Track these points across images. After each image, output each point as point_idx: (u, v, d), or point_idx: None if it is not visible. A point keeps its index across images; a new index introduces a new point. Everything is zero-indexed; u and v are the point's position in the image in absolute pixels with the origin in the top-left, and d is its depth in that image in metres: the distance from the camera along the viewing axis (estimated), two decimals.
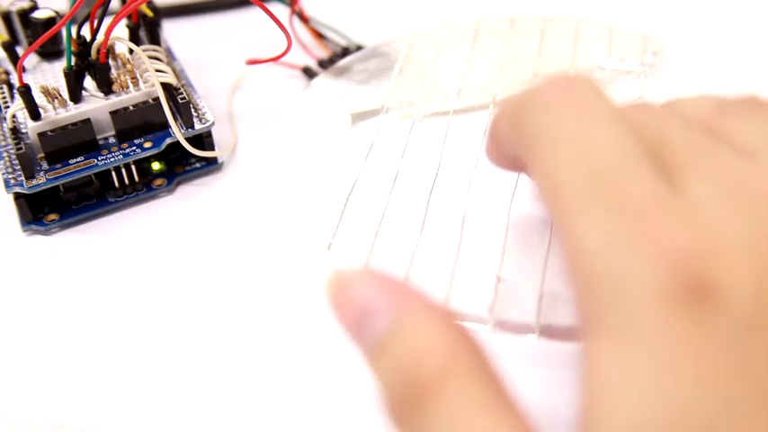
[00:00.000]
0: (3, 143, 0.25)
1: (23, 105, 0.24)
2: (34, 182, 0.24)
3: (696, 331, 0.12)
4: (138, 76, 0.26)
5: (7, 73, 0.28)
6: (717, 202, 0.14)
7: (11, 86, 0.27)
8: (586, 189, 0.14)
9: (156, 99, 0.25)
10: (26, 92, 0.24)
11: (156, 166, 0.26)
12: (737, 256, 0.13)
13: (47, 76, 0.27)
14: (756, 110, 0.17)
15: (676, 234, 0.13)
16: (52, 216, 0.25)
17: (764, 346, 0.13)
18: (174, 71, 0.26)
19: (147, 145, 0.25)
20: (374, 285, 0.15)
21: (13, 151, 0.25)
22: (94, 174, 0.25)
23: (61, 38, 0.26)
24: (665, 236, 0.13)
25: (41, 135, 0.24)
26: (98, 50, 0.24)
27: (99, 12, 0.24)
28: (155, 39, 0.28)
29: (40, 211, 0.25)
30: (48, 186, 0.24)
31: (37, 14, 0.27)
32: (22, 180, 0.24)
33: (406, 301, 0.14)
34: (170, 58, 0.28)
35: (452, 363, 0.14)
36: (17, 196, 0.24)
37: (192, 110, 0.26)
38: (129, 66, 0.26)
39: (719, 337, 0.12)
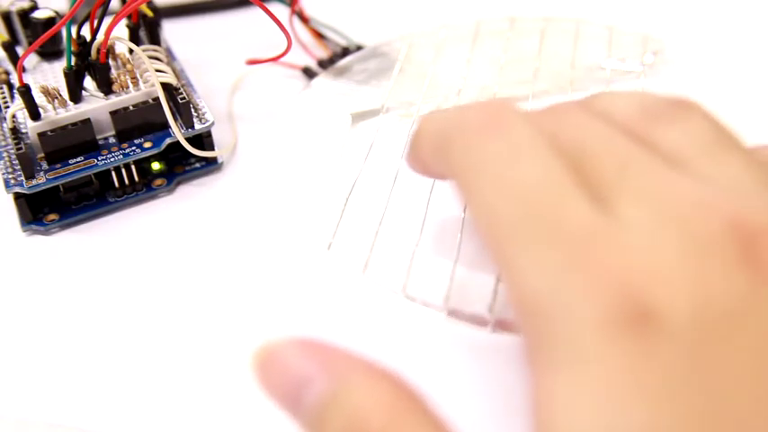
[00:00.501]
0: (3, 143, 0.25)
1: (23, 105, 0.24)
2: (34, 182, 0.24)
3: (640, 356, 0.13)
4: (138, 76, 0.26)
5: (7, 73, 0.28)
6: (650, 225, 0.14)
7: (11, 86, 0.27)
8: (523, 227, 0.14)
9: (156, 99, 0.25)
10: (26, 92, 0.24)
11: (155, 166, 0.26)
12: (674, 279, 0.13)
13: (47, 76, 0.27)
14: (683, 113, 0.17)
15: (614, 264, 0.13)
16: (52, 216, 0.25)
17: (705, 365, 0.13)
18: (174, 71, 0.26)
19: (147, 145, 0.25)
20: (305, 353, 0.14)
21: (13, 151, 0.25)
22: (94, 174, 0.25)
23: (61, 38, 0.26)
24: (604, 267, 0.13)
25: (41, 135, 0.24)
26: (98, 50, 0.24)
27: (99, 12, 0.24)
28: (155, 39, 0.28)
29: (40, 211, 0.25)
30: (48, 186, 0.24)
31: (37, 14, 0.27)
32: (22, 180, 0.24)
33: (341, 364, 0.14)
34: (170, 58, 0.28)
35: (398, 420, 0.13)
36: (17, 196, 0.24)
37: (192, 110, 0.26)
38: (129, 66, 0.26)
39: (663, 360, 0.13)
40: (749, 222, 0.14)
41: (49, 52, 0.28)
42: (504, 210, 0.15)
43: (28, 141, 0.25)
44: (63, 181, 0.24)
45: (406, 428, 0.13)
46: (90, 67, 0.25)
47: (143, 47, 0.26)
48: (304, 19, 0.32)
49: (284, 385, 0.14)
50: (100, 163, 0.25)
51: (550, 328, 0.13)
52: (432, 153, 0.18)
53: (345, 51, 0.31)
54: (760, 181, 0.15)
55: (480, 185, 0.16)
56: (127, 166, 0.25)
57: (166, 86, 0.25)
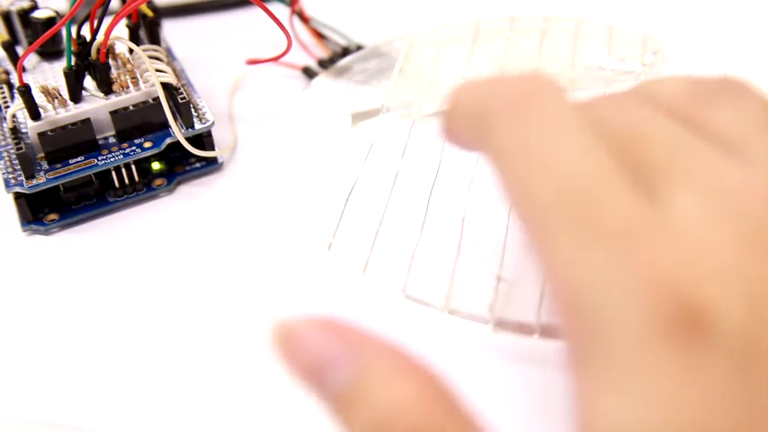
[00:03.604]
0: (3, 143, 0.25)
1: (23, 105, 0.24)
2: (34, 182, 0.24)
3: (687, 368, 0.12)
4: (138, 75, 0.26)
5: (7, 73, 0.28)
6: (702, 217, 0.13)
7: (11, 86, 0.27)
8: (561, 214, 0.13)
9: (156, 99, 0.25)
10: (26, 92, 0.24)
11: (156, 165, 0.26)
12: (728, 279, 0.12)
13: (47, 76, 0.27)
14: (734, 93, 0.16)
15: (663, 261, 0.12)
16: (52, 216, 0.25)
17: (759, 379, 0.12)
18: (174, 71, 0.26)
19: (147, 145, 0.25)
20: (330, 334, 0.13)
21: (13, 151, 0.25)
22: (94, 174, 0.25)
23: (61, 38, 0.26)
24: (652, 264, 0.12)
25: (41, 135, 0.24)
26: (98, 50, 0.24)
27: (99, 12, 0.24)
28: (155, 39, 0.28)
29: (40, 210, 0.25)
30: (48, 186, 0.24)
31: (37, 14, 0.27)
32: (22, 180, 0.24)
33: (368, 349, 0.13)
34: (170, 58, 0.28)
35: (430, 418, 0.12)
36: (17, 196, 0.24)
37: (192, 110, 0.26)
38: (129, 66, 0.26)
39: (712, 374, 0.12)
40: None
41: (49, 52, 0.28)
42: (540, 193, 0.13)
43: (28, 141, 0.25)
44: (63, 181, 0.24)
45: (438, 427, 0.12)
46: (90, 66, 0.25)
47: (143, 47, 0.26)
48: (304, 19, 0.32)
49: (307, 365, 0.13)
50: (100, 163, 0.25)
51: (593, 331, 0.12)
52: (466, 127, 0.16)
53: (345, 51, 0.31)
54: None
55: (516, 164, 0.14)
56: (127, 166, 0.25)
57: (166, 86, 0.25)
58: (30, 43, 0.27)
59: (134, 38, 0.27)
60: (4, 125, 0.26)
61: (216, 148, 0.26)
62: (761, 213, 0.13)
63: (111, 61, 0.25)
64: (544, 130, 0.14)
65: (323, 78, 0.30)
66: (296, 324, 0.14)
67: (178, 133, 0.25)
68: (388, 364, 0.13)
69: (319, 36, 0.32)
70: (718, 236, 0.13)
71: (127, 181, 0.25)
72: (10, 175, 0.24)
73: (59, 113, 0.24)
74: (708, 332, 0.12)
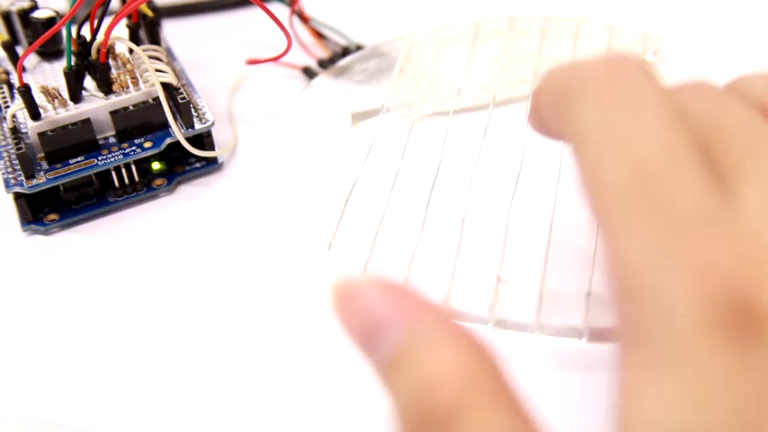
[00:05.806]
0: (3, 143, 0.25)
1: (23, 105, 0.24)
2: (34, 182, 0.24)
3: (739, 363, 0.12)
4: (138, 75, 0.26)
5: (7, 73, 0.28)
6: None
7: (11, 86, 0.27)
8: (631, 194, 0.13)
9: (156, 99, 0.25)
10: (26, 92, 0.24)
11: (156, 165, 0.26)
12: None
13: (47, 76, 0.27)
14: None
15: (724, 252, 0.12)
16: (52, 216, 0.25)
17: None
18: (174, 71, 0.26)
19: (147, 145, 0.25)
20: (385, 296, 0.13)
21: (13, 151, 0.25)
22: (94, 174, 0.25)
23: (61, 38, 0.26)
24: (715, 255, 0.12)
25: (41, 135, 0.24)
26: (98, 50, 0.24)
27: (99, 12, 0.24)
28: (155, 39, 0.28)
29: (39, 211, 0.25)
30: (48, 186, 0.24)
31: (37, 14, 0.27)
32: (22, 180, 0.24)
33: (419, 314, 0.13)
34: (170, 58, 0.28)
35: (472, 389, 0.12)
36: (17, 196, 0.24)
37: (192, 110, 0.26)
38: (129, 66, 0.26)
39: (763, 370, 0.12)
40: None
41: (49, 52, 0.28)
42: (612, 170, 0.13)
43: (28, 141, 0.25)
44: (63, 181, 0.24)
45: (482, 400, 0.12)
46: (90, 66, 0.25)
47: (143, 47, 0.26)
48: (304, 19, 0.32)
49: (360, 324, 0.14)
50: (100, 163, 0.25)
51: (646, 316, 0.12)
52: (550, 108, 0.16)
53: (345, 51, 0.31)
54: None
55: (591, 141, 0.14)
56: (127, 166, 0.25)
57: (166, 86, 0.25)
58: (30, 43, 0.27)
59: (134, 38, 0.27)
60: (4, 125, 0.26)
61: (216, 148, 0.26)
62: None
63: (111, 61, 0.25)
64: (626, 111, 0.14)
65: (323, 78, 0.30)
66: (355, 283, 0.14)
67: (178, 133, 0.25)
68: (438, 331, 0.13)
69: (319, 36, 0.32)
70: None
71: (127, 181, 0.25)
72: (10, 175, 0.24)
73: (59, 113, 0.24)
74: (762, 328, 0.12)
